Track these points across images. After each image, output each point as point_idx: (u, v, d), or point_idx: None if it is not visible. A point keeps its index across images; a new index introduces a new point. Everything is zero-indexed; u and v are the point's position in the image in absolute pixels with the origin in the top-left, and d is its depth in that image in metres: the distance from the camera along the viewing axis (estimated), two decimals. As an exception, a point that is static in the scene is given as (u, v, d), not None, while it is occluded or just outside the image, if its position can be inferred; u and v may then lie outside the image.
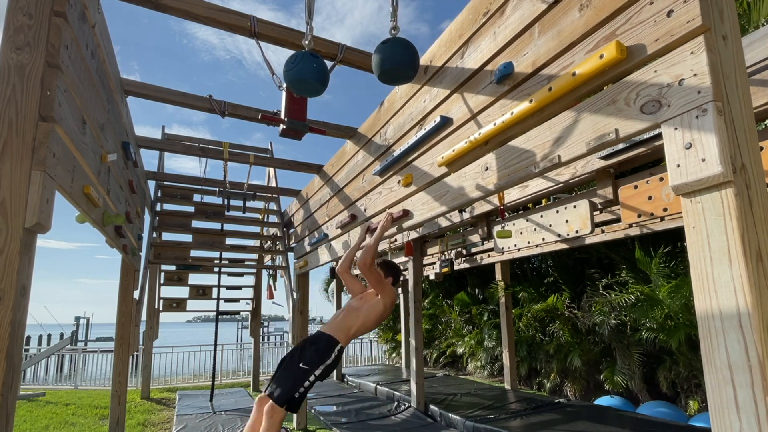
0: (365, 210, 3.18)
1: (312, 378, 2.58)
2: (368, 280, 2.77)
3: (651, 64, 1.26)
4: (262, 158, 4.96)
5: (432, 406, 5.13)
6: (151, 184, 5.49)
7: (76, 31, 1.75)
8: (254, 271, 7.59)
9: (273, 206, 6.44)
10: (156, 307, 6.76)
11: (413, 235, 5.52)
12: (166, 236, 5.81)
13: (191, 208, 5.68)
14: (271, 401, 2.52)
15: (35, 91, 1.50)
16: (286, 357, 2.76)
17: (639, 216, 3.33)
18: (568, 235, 3.81)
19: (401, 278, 2.99)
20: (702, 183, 1.09)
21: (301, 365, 2.58)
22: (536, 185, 4.07)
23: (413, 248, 5.79)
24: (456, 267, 6.67)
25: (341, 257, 3.21)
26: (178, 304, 6.92)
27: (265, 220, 6.38)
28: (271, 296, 7.07)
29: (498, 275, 6.77)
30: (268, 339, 22.57)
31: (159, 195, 5.53)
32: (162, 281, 6.65)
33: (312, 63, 1.91)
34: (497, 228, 4.64)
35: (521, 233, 4.38)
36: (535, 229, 4.20)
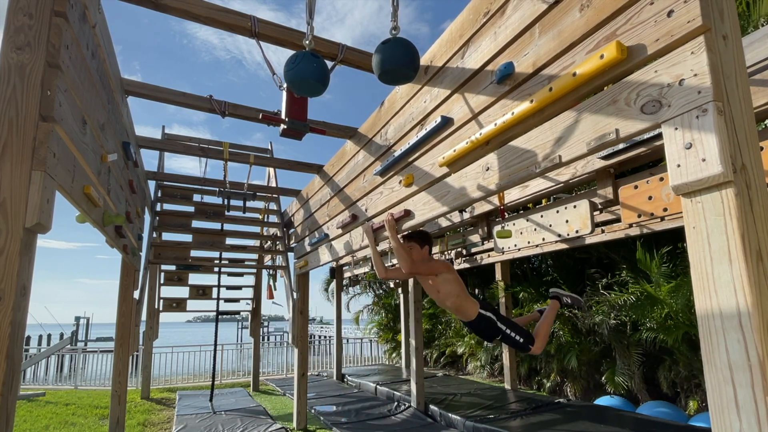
0: (366, 210, 3.18)
1: (500, 324, 2.99)
2: (422, 273, 2.97)
3: (651, 64, 1.26)
4: (262, 158, 4.96)
5: (432, 406, 5.13)
6: (151, 184, 5.50)
7: (76, 32, 1.75)
8: (254, 271, 7.58)
9: (273, 206, 6.44)
10: (156, 307, 6.76)
11: (413, 235, 5.52)
12: (166, 236, 5.81)
13: (191, 208, 5.68)
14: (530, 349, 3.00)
15: (35, 91, 1.50)
16: (501, 335, 3.13)
17: (639, 216, 3.33)
18: (568, 235, 3.81)
19: (431, 243, 3.09)
20: (702, 183, 1.09)
21: (507, 329, 3.00)
22: (536, 185, 4.07)
23: (413, 248, 5.78)
24: (456, 267, 6.67)
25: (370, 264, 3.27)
26: (178, 304, 6.92)
27: (265, 220, 6.38)
28: (271, 296, 7.07)
29: (498, 275, 6.77)
30: (268, 339, 22.60)
31: (159, 195, 5.53)
32: (162, 281, 6.65)
33: (312, 63, 1.91)
34: (497, 228, 4.65)
35: (521, 233, 4.38)
36: (535, 229, 4.20)
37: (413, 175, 2.51)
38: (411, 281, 5.79)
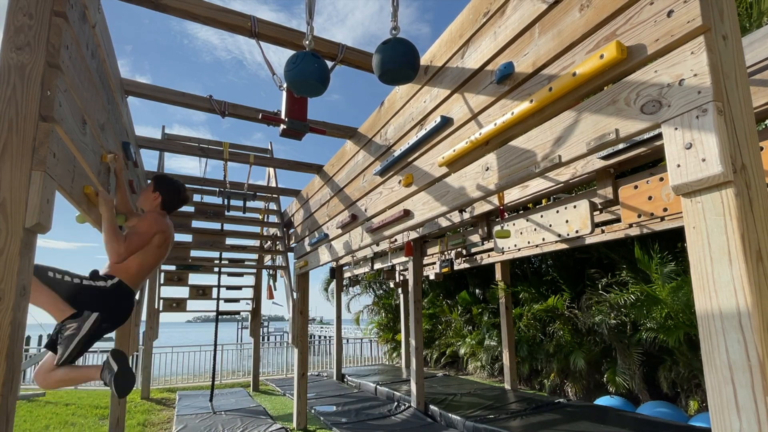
0: (366, 210, 3.18)
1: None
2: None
3: (651, 64, 1.26)
4: (262, 158, 4.96)
5: (432, 406, 5.12)
6: (151, 184, 5.49)
7: (76, 31, 1.75)
8: (254, 271, 7.58)
9: (273, 206, 6.44)
10: (156, 307, 6.76)
11: (413, 235, 5.52)
12: (166, 236, 5.81)
13: (191, 208, 5.68)
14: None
15: (35, 91, 1.50)
16: None
17: (639, 216, 3.33)
18: (568, 235, 3.81)
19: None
20: (702, 183, 1.09)
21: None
22: (536, 185, 4.07)
23: (413, 248, 5.79)
24: (456, 267, 6.68)
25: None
26: (178, 304, 6.91)
27: (265, 220, 6.38)
28: (271, 296, 7.07)
29: (498, 275, 6.77)
30: (268, 339, 22.58)
31: (159, 195, 5.53)
32: (162, 281, 6.65)
33: (313, 63, 1.91)
34: (497, 228, 4.65)
35: (521, 233, 4.38)
36: (535, 229, 4.20)
37: (413, 175, 2.51)
38: (411, 282, 5.79)
